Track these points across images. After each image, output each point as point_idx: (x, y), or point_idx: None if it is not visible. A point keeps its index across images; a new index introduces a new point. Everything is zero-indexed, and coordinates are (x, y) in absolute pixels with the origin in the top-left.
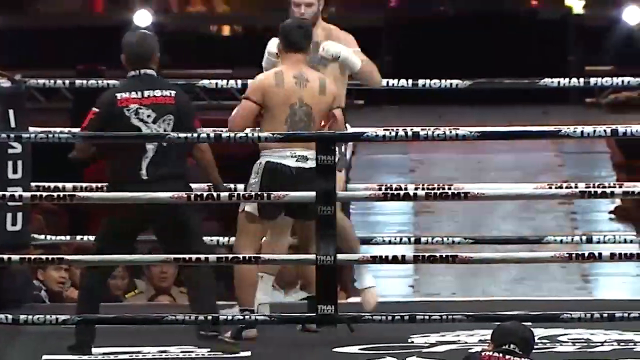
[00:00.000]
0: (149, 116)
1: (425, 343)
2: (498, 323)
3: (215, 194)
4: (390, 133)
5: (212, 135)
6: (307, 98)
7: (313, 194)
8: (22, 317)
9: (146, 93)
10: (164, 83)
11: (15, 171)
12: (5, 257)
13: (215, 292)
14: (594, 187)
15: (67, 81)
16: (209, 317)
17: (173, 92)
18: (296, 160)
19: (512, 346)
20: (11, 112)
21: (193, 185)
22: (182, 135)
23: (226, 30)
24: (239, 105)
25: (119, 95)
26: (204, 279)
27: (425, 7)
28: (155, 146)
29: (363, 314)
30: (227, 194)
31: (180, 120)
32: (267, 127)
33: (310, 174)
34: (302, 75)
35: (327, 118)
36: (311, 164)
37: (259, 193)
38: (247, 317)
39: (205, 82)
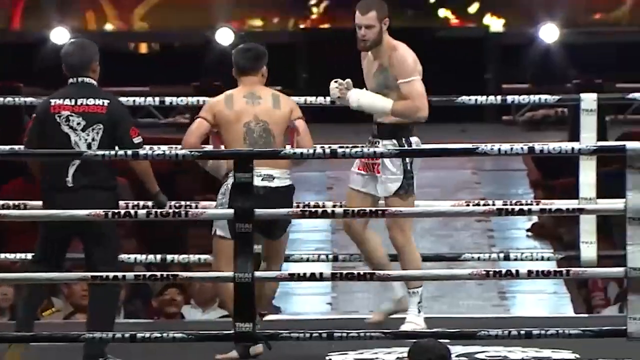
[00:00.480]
0: (78, 124)
1: None
2: (415, 341)
3: (132, 211)
4: (308, 151)
5: (129, 153)
6: (261, 114)
7: (231, 211)
8: None
9: (79, 101)
10: (99, 92)
11: None
12: None
13: (114, 310)
14: (511, 204)
15: None
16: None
17: (106, 102)
18: (262, 180)
19: None
20: None
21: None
22: (99, 152)
23: (143, 48)
24: (192, 124)
25: (52, 102)
26: (106, 295)
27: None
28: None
29: (281, 331)
30: (145, 211)
31: (111, 129)
32: (229, 147)
33: (277, 193)
34: (253, 94)
35: (290, 133)
36: (278, 182)
37: (176, 210)
38: (164, 335)
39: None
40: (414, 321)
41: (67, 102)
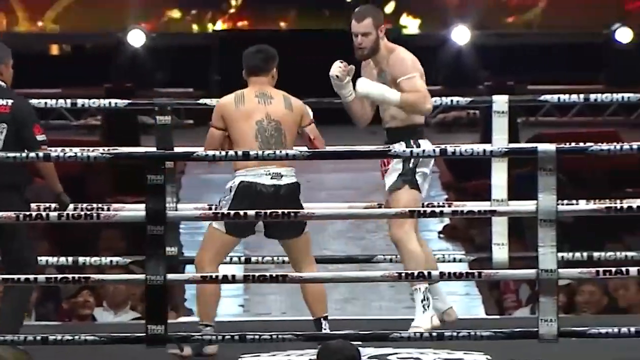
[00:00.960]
0: None
1: None
2: (323, 343)
3: (44, 213)
4: (220, 153)
5: (41, 155)
6: (274, 114)
7: (143, 213)
8: None
9: None
10: (4, 92)
11: None
12: None
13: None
14: (423, 206)
15: None
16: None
17: (10, 101)
18: (271, 178)
19: None
20: None
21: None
22: (10, 154)
23: (55, 50)
24: (208, 133)
25: None
26: (18, 296)
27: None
28: None
29: (193, 333)
30: (56, 214)
31: (15, 129)
32: (237, 145)
33: (286, 191)
34: (264, 93)
35: (304, 138)
36: (286, 180)
37: (88, 213)
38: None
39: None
40: (418, 324)
41: None
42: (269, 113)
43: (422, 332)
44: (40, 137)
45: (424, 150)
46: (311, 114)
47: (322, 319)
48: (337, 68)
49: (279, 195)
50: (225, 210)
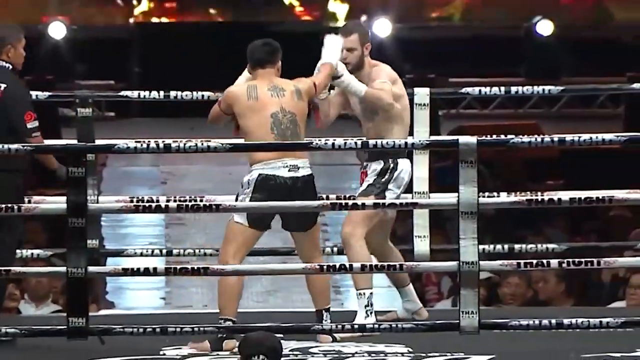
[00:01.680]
0: None
1: (177, 355)
2: (245, 335)
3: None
4: (141, 145)
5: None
6: (288, 106)
7: (64, 205)
8: None
9: None
10: (3, 75)
11: None
12: None
13: None
14: (344, 199)
15: None
16: None
17: (3, 86)
18: (289, 170)
19: (261, 357)
20: None
21: None
22: None
23: None
24: (213, 108)
25: None
26: None
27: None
28: None
29: (114, 326)
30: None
31: (6, 114)
32: (251, 137)
33: (303, 182)
34: (276, 86)
35: (315, 114)
36: (303, 172)
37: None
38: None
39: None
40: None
41: None
42: (284, 105)
43: (343, 324)
44: (30, 125)
45: (345, 143)
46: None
47: (323, 311)
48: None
49: (296, 187)
50: (245, 202)
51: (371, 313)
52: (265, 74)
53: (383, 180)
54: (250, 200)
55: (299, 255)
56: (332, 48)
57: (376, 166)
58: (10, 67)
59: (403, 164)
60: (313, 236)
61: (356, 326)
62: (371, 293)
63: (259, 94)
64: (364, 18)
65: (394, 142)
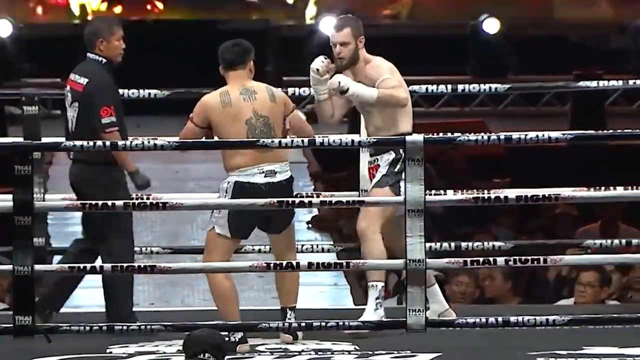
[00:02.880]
0: (67, 98)
1: (124, 354)
2: (189, 333)
3: None
4: (88, 143)
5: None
6: (261, 109)
7: (10, 204)
8: None
9: (71, 76)
10: (88, 70)
11: None
12: None
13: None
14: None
15: None
16: None
17: (86, 81)
18: (265, 176)
19: (206, 355)
20: None
21: None
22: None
23: None
24: (185, 125)
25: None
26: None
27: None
28: (70, 128)
29: (61, 324)
30: None
31: (86, 108)
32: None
33: (280, 187)
34: (247, 89)
35: (285, 128)
36: (280, 177)
37: None
38: None
39: None
40: (369, 319)
41: (71, 75)
42: (256, 109)
43: (290, 322)
44: (105, 120)
45: (292, 141)
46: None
47: (288, 309)
48: (320, 62)
49: (272, 193)
50: (224, 213)
51: (380, 306)
52: (237, 76)
53: (396, 170)
54: (229, 213)
55: (274, 255)
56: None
57: (388, 156)
58: (104, 60)
59: None
60: (288, 237)
61: (302, 324)
62: (382, 286)
63: (232, 99)
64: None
65: (340, 139)
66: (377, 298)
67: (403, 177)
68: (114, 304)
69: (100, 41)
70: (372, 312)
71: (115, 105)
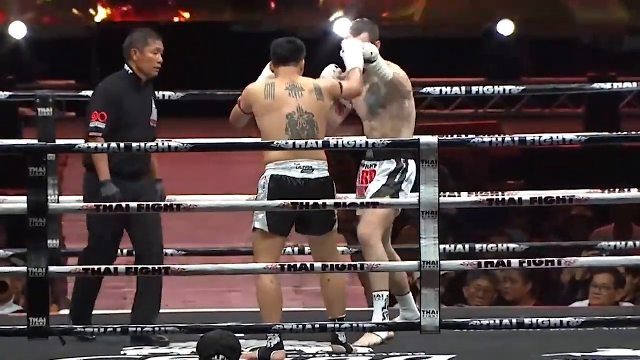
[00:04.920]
0: None
1: (138, 355)
2: (202, 335)
3: None
4: (102, 145)
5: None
6: (306, 106)
7: (25, 205)
8: None
9: None
10: (112, 78)
11: None
12: None
13: None
14: None
15: None
16: None
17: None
18: (302, 172)
19: (220, 357)
20: None
21: None
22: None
23: None
24: (234, 108)
25: None
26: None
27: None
28: None
29: (75, 326)
30: None
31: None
32: (267, 137)
33: (317, 185)
34: (294, 85)
35: (338, 109)
36: (317, 174)
37: None
38: None
39: None
40: (376, 333)
41: None
42: (301, 106)
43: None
44: (92, 124)
45: (295, 144)
46: (336, 77)
47: (336, 319)
48: (331, 71)
49: (309, 189)
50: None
51: (387, 315)
52: (287, 72)
53: (396, 181)
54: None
55: (315, 261)
56: (354, 52)
57: (388, 165)
58: (133, 72)
59: (412, 165)
60: (330, 240)
61: (317, 326)
62: (388, 295)
63: (276, 92)
64: None
65: (354, 141)
66: (383, 308)
67: (402, 188)
68: (78, 305)
69: (134, 52)
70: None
71: (109, 113)
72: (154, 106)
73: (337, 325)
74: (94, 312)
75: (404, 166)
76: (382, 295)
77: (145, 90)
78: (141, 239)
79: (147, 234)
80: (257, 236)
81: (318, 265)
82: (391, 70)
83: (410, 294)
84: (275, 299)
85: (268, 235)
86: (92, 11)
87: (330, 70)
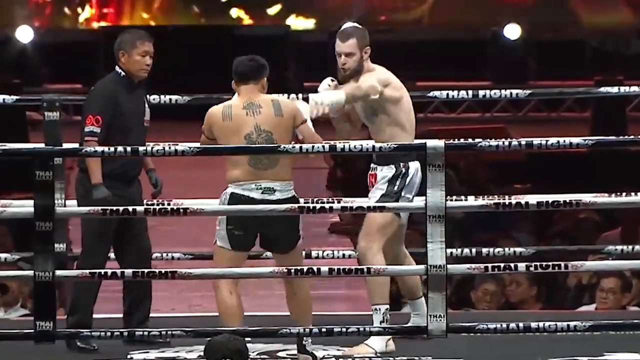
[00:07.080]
0: None
1: (145, 359)
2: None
3: None
4: (109, 149)
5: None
6: (263, 124)
7: (31, 209)
8: None
9: None
10: (102, 80)
11: None
12: None
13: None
14: (312, 202)
15: None
16: None
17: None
18: (262, 193)
19: None
20: None
21: None
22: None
23: None
24: (201, 138)
25: None
26: None
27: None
28: None
29: (81, 330)
30: None
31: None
32: (229, 159)
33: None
34: (252, 103)
35: (296, 140)
36: (279, 195)
37: None
38: None
39: None
40: (371, 344)
41: None
42: (258, 124)
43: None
44: (87, 129)
45: (312, 147)
46: (305, 112)
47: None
48: (326, 85)
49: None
50: (223, 225)
51: (387, 327)
52: (246, 91)
53: (395, 189)
54: (227, 225)
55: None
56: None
57: (387, 172)
58: (124, 74)
59: (413, 167)
60: (294, 258)
61: (324, 330)
62: (387, 309)
63: (233, 113)
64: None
65: (361, 145)
66: (381, 322)
67: (403, 194)
68: (76, 310)
69: (122, 54)
70: (378, 339)
71: (104, 116)
72: (146, 106)
73: (343, 330)
74: (102, 316)
75: (403, 171)
76: (380, 309)
77: (138, 91)
78: (135, 244)
79: (142, 240)
80: (218, 251)
81: (325, 269)
82: (338, 95)
83: (423, 298)
84: (235, 312)
85: (229, 252)
86: (96, 14)
87: (325, 85)
